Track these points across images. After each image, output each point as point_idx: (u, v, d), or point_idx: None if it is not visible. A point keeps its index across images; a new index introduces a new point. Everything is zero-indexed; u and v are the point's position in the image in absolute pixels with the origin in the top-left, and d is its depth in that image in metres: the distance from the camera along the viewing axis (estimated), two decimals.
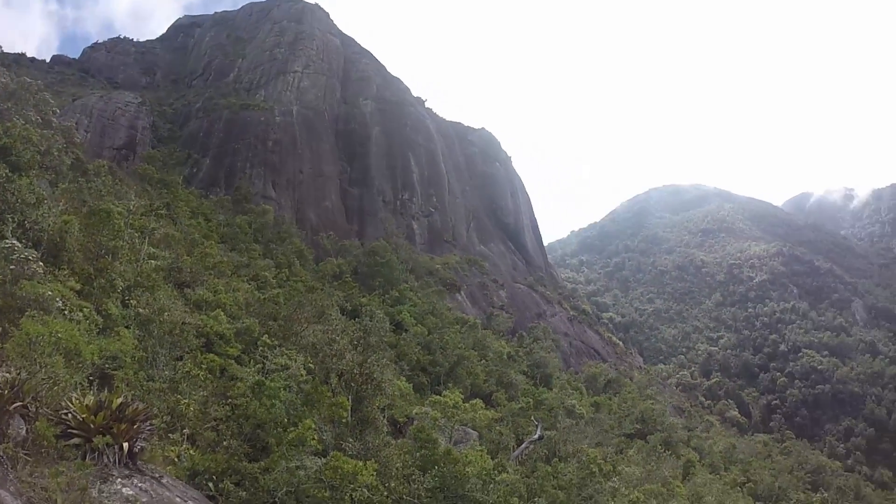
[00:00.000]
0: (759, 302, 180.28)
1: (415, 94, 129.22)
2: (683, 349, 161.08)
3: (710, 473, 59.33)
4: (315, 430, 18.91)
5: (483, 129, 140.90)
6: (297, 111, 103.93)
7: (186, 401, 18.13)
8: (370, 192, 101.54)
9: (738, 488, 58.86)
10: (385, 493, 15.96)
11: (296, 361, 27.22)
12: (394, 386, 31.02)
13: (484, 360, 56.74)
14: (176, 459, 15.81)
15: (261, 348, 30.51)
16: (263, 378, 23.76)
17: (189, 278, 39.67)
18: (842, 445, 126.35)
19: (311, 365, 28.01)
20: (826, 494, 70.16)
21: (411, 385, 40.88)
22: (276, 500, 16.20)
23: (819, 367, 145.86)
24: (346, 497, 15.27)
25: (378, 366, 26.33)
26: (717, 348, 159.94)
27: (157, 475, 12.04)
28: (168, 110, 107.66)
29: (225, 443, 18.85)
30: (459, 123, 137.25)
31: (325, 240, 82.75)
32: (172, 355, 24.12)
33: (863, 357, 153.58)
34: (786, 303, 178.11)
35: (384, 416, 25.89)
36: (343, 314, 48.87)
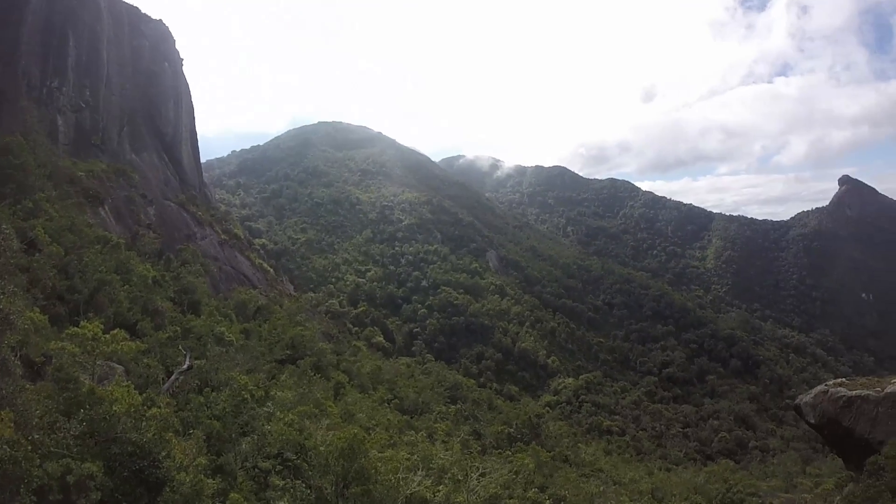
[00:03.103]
0: (406, 242, 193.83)
1: None
2: (333, 279, 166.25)
3: (360, 393, 63.11)
4: None
5: (161, 21, 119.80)
6: None
7: None
8: (13, 73, 79.51)
9: (386, 404, 63.68)
10: (29, 447, 13.49)
11: None
12: (26, 319, 26.24)
13: (128, 286, 51.06)
14: None
15: None
16: None
17: None
18: (475, 367, 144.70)
19: None
20: (463, 405, 79.44)
21: (47, 316, 34.71)
22: None
23: (455, 302, 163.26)
24: None
25: (5, 294, 22.02)
26: (364, 280, 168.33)
27: None
28: None
29: None
30: (136, 9, 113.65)
31: None
32: None
33: (493, 297, 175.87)
34: (430, 245, 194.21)
35: (17, 356, 21.95)
36: None
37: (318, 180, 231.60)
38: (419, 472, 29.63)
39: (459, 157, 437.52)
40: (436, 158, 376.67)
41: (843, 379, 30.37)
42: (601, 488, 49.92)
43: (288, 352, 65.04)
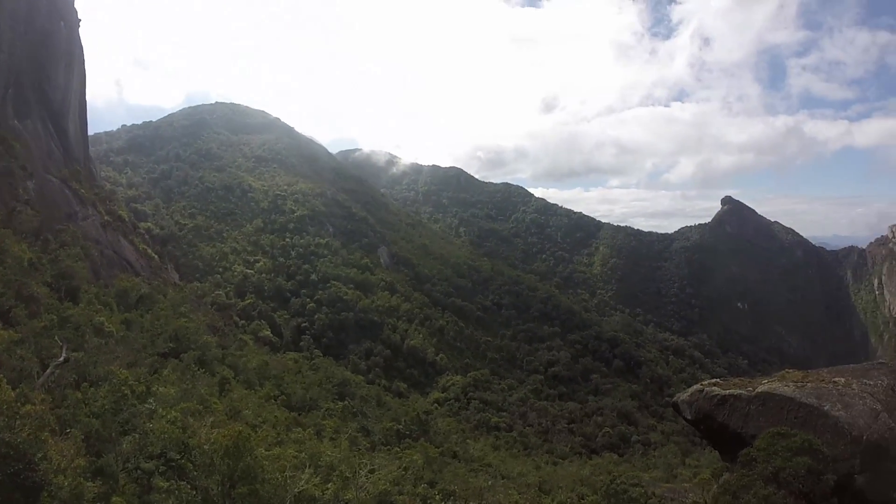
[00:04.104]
0: (297, 234, 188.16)
1: None
2: (220, 269, 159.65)
3: (246, 389, 61.47)
4: None
5: None
6: None
7: None
8: None
9: (273, 401, 62.24)
10: None
11: None
12: None
13: (1, 268, 47.83)
14: None
15: None
16: None
17: None
18: (364, 363, 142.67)
19: None
20: (352, 402, 78.99)
21: None
22: None
23: (345, 298, 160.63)
24: None
25: None
26: (252, 271, 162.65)
27: None
28: None
29: None
30: None
31: None
32: None
33: (383, 293, 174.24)
34: (321, 238, 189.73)
35: None
36: None
37: (210, 164, 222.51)
38: (307, 470, 29.28)
39: (356, 150, 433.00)
40: (333, 150, 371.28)
41: (718, 379, 32.40)
42: (490, 482, 51.11)
43: (171, 345, 62.21)
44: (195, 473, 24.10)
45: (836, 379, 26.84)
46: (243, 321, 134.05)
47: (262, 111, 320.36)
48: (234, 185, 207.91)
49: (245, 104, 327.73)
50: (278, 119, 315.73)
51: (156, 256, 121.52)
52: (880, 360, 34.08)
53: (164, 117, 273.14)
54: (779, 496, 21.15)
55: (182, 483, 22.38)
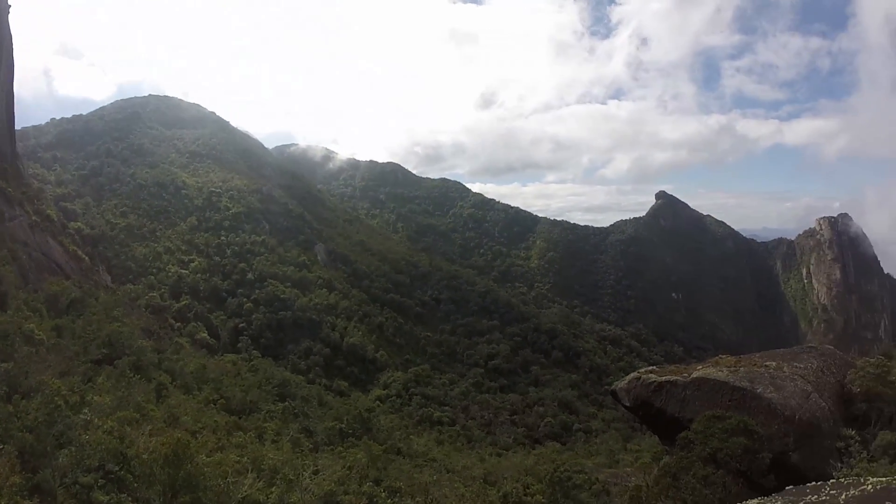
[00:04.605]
0: (233, 232, 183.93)
1: None
2: (154, 270, 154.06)
3: (184, 394, 59.79)
4: None
5: None
6: None
7: None
8: None
9: (213, 405, 60.60)
10: None
11: None
12: None
13: None
14: None
15: None
16: None
17: None
18: (303, 362, 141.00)
19: None
20: (293, 403, 77.93)
21: None
22: None
23: (282, 296, 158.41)
24: None
25: None
26: (187, 271, 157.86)
27: None
28: None
29: None
30: None
31: None
32: None
33: (321, 290, 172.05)
34: (257, 236, 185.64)
35: None
36: None
37: (142, 160, 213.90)
38: (250, 475, 28.86)
39: (292, 144, 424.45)
40: (268, 144, 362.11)
41: (654, 367, 32.97)
42: (435, 477, 51.21)
43: (105, 351, 60.00)
44: (135, 485, 23.57)
45: (768, 363, 27.90)
46: (179, 323, 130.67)
47: (197, 104, 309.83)
48: (167, 182, 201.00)
49: (179, 97, 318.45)
50: (213, 113, 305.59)
51: (86, 258, 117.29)
52: (810, 345, 35.61)
53: (95, 110, 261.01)
54: (717, 475, 21.96)
55: (122, 495, 21.91)
